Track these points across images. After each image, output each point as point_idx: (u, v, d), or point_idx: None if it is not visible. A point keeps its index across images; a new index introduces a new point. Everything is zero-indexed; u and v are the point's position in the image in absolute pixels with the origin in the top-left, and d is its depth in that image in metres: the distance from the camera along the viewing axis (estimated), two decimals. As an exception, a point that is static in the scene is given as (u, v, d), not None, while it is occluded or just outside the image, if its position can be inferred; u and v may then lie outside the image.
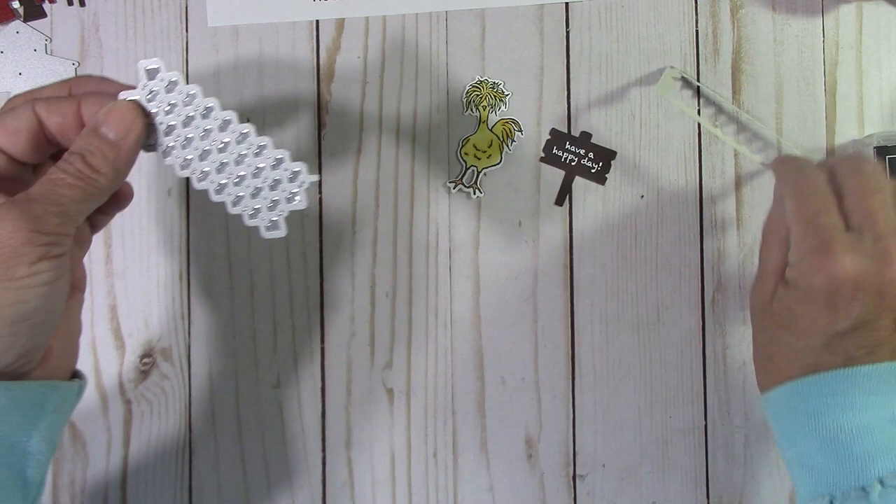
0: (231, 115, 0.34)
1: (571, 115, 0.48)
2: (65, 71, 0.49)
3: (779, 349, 0.38)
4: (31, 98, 0.34)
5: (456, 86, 0.48)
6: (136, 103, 0.34)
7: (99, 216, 0.37)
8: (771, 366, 0.39)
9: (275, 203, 0.35)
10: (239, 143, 0.34)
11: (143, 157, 0.49)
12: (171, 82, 0.34)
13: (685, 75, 0.48)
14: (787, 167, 0.39)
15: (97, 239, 0.48)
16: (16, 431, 0.32)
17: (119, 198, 0.38)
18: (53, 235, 0.31)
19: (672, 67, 0.48)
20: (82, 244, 0.37)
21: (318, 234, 0.49)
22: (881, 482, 0.34)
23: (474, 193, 0.48)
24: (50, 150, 0.35)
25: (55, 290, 0.32)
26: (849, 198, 0.36)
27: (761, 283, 0.39)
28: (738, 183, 0.48)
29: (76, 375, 0.37)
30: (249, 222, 0.35)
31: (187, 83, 0.34)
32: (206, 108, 0.34)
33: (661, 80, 0.47)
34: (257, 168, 0.35)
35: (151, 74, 0.34)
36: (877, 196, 0.36)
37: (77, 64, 0.49)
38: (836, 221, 0.36)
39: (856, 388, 0.35)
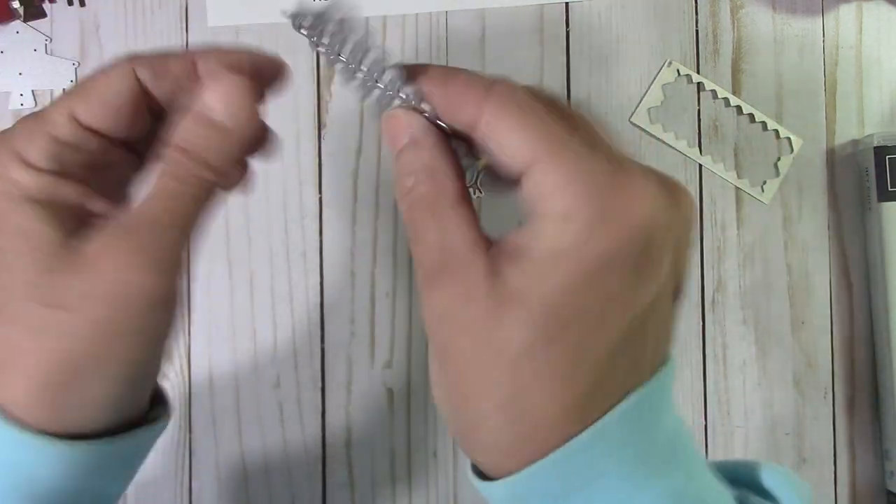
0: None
1: (571, 115, 0.48)
2: (65, 71, 0.49)
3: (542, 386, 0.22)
4: (130, 59, 0.26)
5: (456, 86, 0.48)
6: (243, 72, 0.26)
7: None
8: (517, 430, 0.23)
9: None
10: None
11: (143, 157, 0.49)
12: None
13: (686, 71, 0.48)
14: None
15: (97, 239, 0.48)
16: (108, 483, 0.27)
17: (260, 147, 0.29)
18: (170, 267, 0.24)
19: (671, 63, 0.48)
20: None
21: (318, 234, 0.49)
22: None
23: (474, 193, 0.48)
24: (154, 124, 0.27)
25: (173, 326, 0.25)
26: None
27: (448, 276, 0.25)
28: (738, 183, 0.48)
29: (157, 394, 0.29)
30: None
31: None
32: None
33: (658, 75, 0.47)
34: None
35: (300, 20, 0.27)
36: None
37: (77, 64, 0.49)
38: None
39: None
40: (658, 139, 0.48)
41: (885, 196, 0.46)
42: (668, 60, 0.48)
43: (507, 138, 0.24)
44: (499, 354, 0.22)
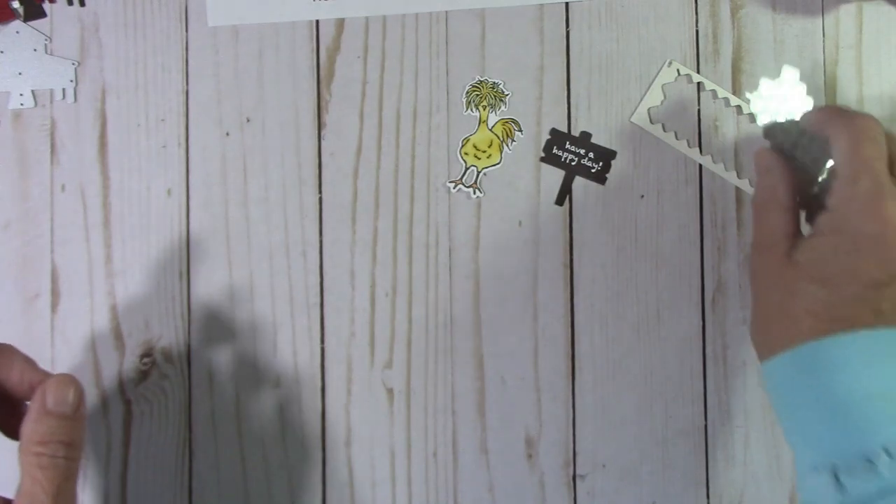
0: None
1: (571, 115, 0.48)
2: (65, 71, 0.49)
3: (804, 305, 0.36)
4: None
5: (456, 86, 0.48)
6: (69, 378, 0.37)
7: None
8: (783, 328, 0.37)
9: None
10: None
11: (142, 157, 0.49)
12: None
13: (686, 71, 0.48)
14: (841, 112, 0.39)
15: (97, 239, 0.48)
16: None
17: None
18: None
19: (671, 63, 0.48)
20: None
21: (318, 234, 0.49)
22: (887, 452, 0.33)
23: (474, 193, 0.48)
24: None
25: None
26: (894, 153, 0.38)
27: (769, 244, 0.39)
28: (738, 183, 0.48)
29: None
30: None
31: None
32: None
33: (658, 75, 0.47)
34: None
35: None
36: None
37: (77, 64, 0.49)
38: (886, 169, 0.37)
39: (863, 352, 0.34)
40: (658, 139, 0.48)
41: (885, 196, 0.46)
42: (669, 60, 0.48)
43: (836, 153, 0.38)
44: (783, 288, 0.38)
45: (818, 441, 0.35)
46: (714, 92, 0.48)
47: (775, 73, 0.48)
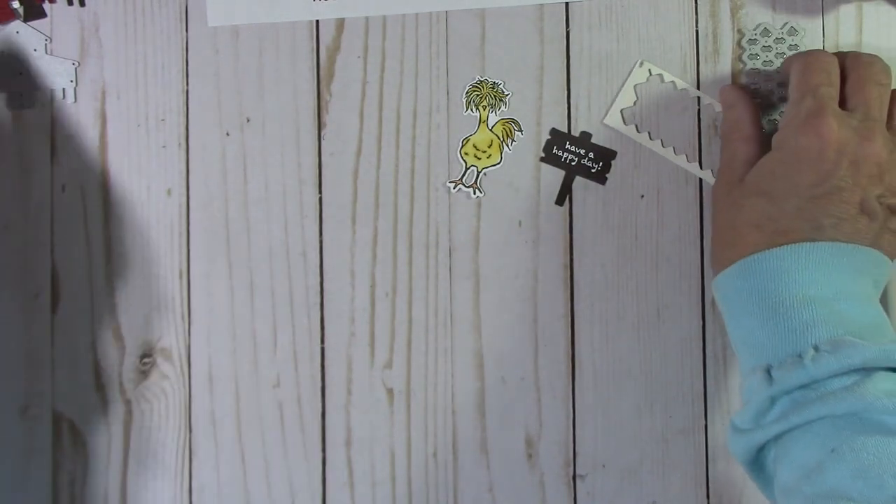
0: None
1: (571, 115, 0.48)
2: (65, 71, 0.49)
3: (750, 219, 0.40)
4: None
5: (456, 86, 0.48)
6: None
7: None
8: (731, 243, 0.41)
9: None
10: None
11: (142, 157, 0.49)
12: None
13: (658, 70, 0.48)
14: (806, 52, 0.43)
15: (97, 239, 0.48)
16: None
17: None
18: None
19: (643, 63, 0.47)
20: None
21: (318, 234, 0.49)
22: (815, 348, 0.36)
23: (474, 193, 0.48)
24: None
25: None
26: (851, 83, 0.41)
27: (728, 171, 0.43)
28: (738, 183, 0.48)
29: None
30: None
31: None
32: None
33: (630, 76, 0.47)
34: None
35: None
36: (876, 88, 0.41)
37: (77, 64, 0.49)
38: (833, 95, 0.40)
39: (801, 262, 0.38)
40: (633, 140, 0.48)
41: (885, 196, 0.46)
42: (640, 61, 0.48)
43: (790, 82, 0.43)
44: (732, 206, 0.42)
45: (760, 346, 0.38)
46: (686, 91, 0.48)
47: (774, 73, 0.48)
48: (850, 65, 0.42)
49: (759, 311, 0.38)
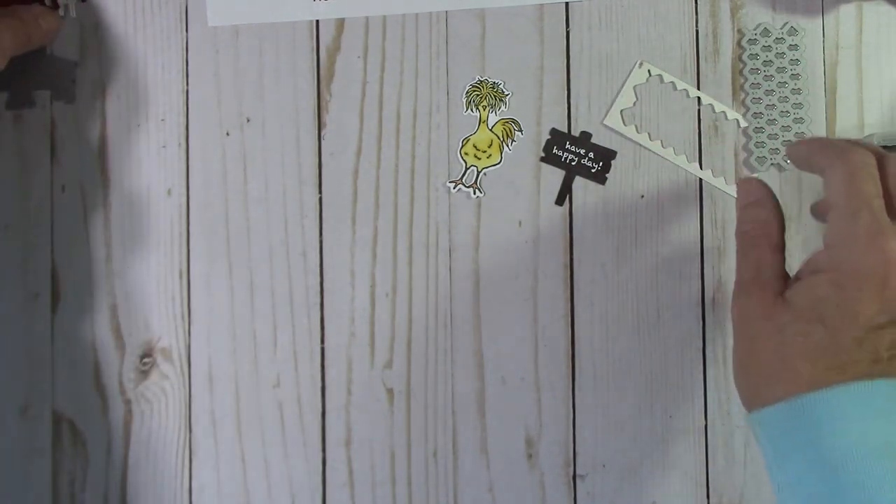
0: None
1: (571, 115, 0.48)
2: (65, 71, 0.49)
3: (800, 350, 0.35)
4: None
5: (456, 86, 0.48)
6: None
7: None
8: (775, 375, 0.35)
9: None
10: None
11: (142, 157, 0.49)
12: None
13: (658, 71, 0.48)
14: (831, 146, 0.37)
15: (97, 239, 0.48)
16: None
17: None
18: None
19: (642, 64, 0.47)
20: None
21: (318, 234, 0.49)
22: None
23: (474, 193, 0.48)
24: None
25: None
26: (893, 188, 0.36)
27: (759, 285, 0.37)
28: (738, 183, 0.48)
29: None
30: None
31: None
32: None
33: (629, 76, 0.47)
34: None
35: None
36: None
37: (77, 64, 0.49)
38: (883, 206, 0.35)
39: (867, 405, 0.33)
40: (633, 141, 0.48)
41: (885, 196, 0.46)
42: (640, 61, 0.48)
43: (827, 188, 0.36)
44: (777, 332, 0.35)
45: (818, 498, 0.33)
46: (686, 91, 0.48)
47: (774, 73, 0.48)
48: (886, 162, 0.37)
49: (817, 460, 0.33)
